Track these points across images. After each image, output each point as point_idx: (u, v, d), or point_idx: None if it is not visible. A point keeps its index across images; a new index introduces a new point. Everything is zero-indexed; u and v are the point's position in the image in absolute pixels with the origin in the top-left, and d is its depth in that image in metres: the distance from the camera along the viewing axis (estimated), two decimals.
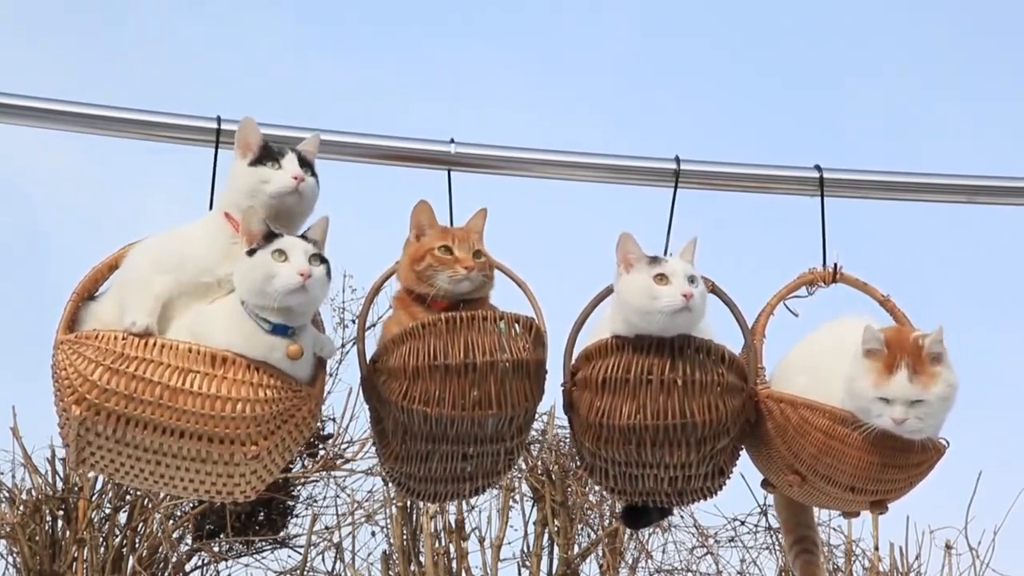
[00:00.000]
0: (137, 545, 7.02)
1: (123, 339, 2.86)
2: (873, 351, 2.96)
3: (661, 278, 2.94)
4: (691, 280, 2.94)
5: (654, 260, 2.97)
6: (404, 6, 8.82)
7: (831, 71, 8.88)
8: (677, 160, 3.25)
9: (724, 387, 2.95)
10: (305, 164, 2.97)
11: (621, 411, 2.94)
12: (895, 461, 3.01)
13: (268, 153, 2.96)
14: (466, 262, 3.03)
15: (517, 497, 7.17)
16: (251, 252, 2.86)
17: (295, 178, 2.93)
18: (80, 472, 6.56)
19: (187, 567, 7.33)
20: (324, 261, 2.86)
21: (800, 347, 3.15)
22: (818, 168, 3.30)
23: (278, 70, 8.71)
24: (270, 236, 2.86)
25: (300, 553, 7.36)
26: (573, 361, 3.05)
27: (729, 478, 3.09)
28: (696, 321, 2.97)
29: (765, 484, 3.18)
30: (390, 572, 7.02)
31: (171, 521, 7.16)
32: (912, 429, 2.95)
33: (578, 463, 3.16)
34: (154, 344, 2.85)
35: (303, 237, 2.89)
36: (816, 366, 3.08)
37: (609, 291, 3.13)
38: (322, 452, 7.47)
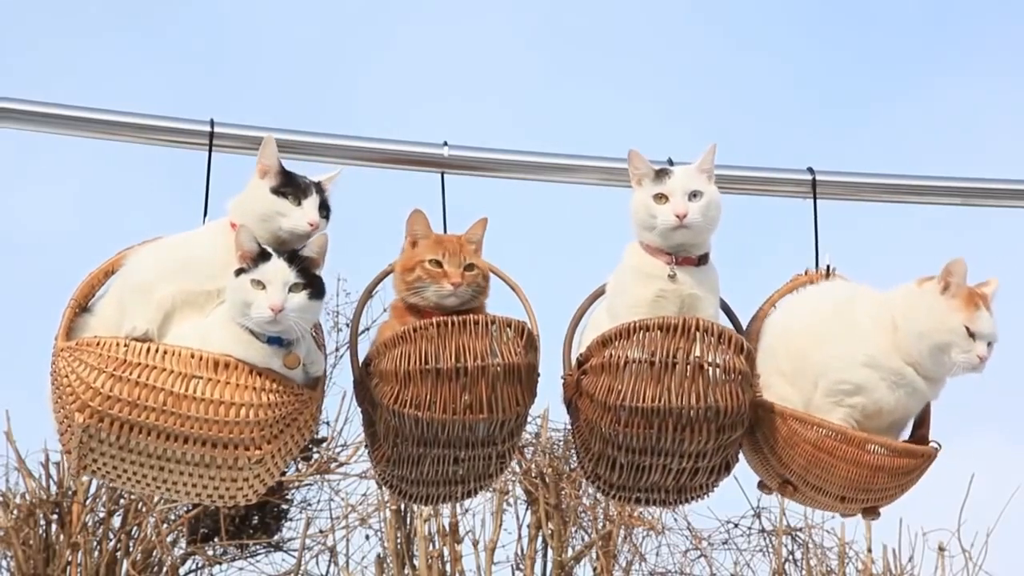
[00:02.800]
0: (131, 549, 7.01)
1: (125, 346, 2.86)
2: (955, 284, 3.01)
3: (660, 197, 3.01)
4: (692, 195, 3.01)
5: (660, 175, 3.04)
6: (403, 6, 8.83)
7: (829, 72, 8.89)
8: (670, 163, 3.25)
9: (744, 376, 2.97)
10: (323, 205, 2.98)
11: (645, 394, 2.93)
12: (885, 470, 3.01)
13: (292, 186, 2.96)
14: (454, 277, 3.02)
15: (511, 500, 7.17)
16: (239, 272, 2.88)
17: (311, 224, 2.94)
18: (79, 478, 6.56)
19: (181, 571, 7.32)
20: (309, 285, 2.87)
21: (798, 326, 3.13)
22: (811, 171, 3.30)
23: (273, 71, 8.71)
24: (260, 257, 2.87)
25: (294, 557, 7.36)
26: (583, 349, 3.05)
27: (728, 475, 3.09)
28: (701, 234, 3.03)
29: (761, 486, 3.18)
30: None
31: (165, 525, 7.16)
32: (983, 368, 2.99)
33: (580, 456, 3.14)
34: (157, 350, 2.86)
35: (296, 255, 2.90)
36: (830, 334, 3.07)
37: (603, 291, 3.14)
38: (316, 455, 7.46)
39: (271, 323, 2.85)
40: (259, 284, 2.85)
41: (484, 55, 8.89)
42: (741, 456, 3.11)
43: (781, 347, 3.09)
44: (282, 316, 2.85)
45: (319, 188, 2.98)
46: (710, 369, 2.94)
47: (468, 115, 8.19)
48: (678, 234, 3.01)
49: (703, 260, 3.07)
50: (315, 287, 2.89)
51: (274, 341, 2.88)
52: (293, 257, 2.89)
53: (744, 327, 3.15)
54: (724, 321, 3.12)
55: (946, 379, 3.04)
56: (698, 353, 2.94)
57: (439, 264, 3.03)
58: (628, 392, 2.94)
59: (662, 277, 3.03)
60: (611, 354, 2.97)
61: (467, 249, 3.06)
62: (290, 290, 2.86)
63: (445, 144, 3.23)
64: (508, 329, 2.95)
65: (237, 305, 2.87)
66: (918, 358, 3.01)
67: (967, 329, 2.97)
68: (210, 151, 3.12)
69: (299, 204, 2.95)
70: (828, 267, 3.21)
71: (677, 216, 2.99)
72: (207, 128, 3.14)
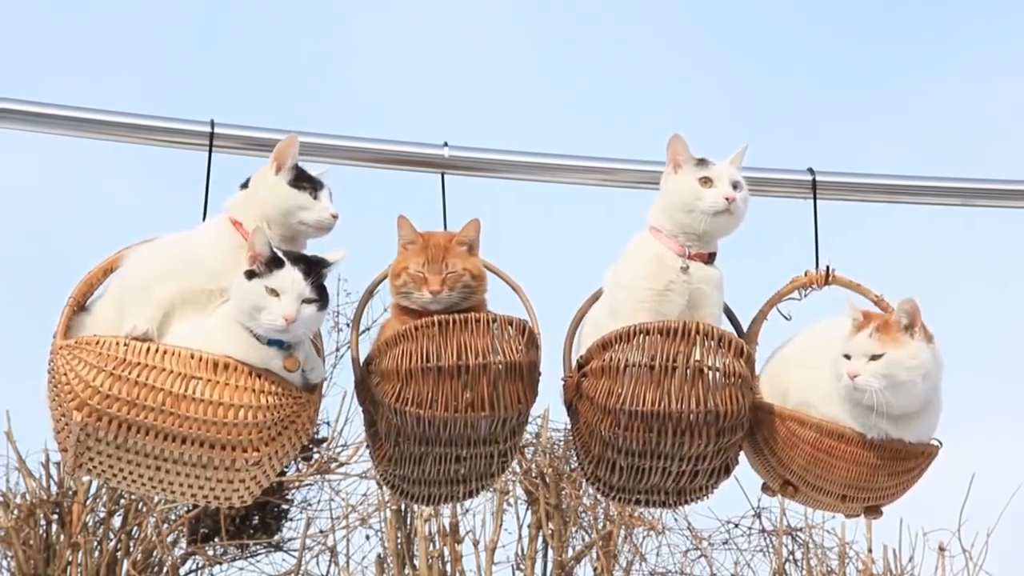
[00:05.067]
0: (131, 549, 7.02)
1: (125, 345, 2.86)
2: (854, 321, 3.00)
3: (706, 181, 3.05)
4: (735, 185, 3.05)
5: (701, 162, 3.07)
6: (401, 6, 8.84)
7: (826, 73, 8.89)
8: None
9: (743, 380, 2.97)
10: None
11: (645, 398, 2.94)
12: (884, 468, 3.02)
13: (307, 179, 2.99)
14: (433, 285, 3.02)
15: (511, 500, 7.18)
16: (249, 275, 2.88)
17: (334, 216, 2.98)
18: (76, 477, 6.57)
19: (181, 571, 7.32)
20: (318, 299, 2.89)
21: (794, 343, 3.15)
22: (811, 171, 3.30)
23: (272, 72, 8.71)
24: (272, 263, 2.88)
25: (294, 557, 7.36)
26: (584, 351, 3.05)
27: (727, 477, 3.10)
28: (736, 224, 3.07)
29: (765, 488, 3.19)
30: None
31: (165, 525, 7.16)
32: (862, 385, 2.95)
33: (580, 458, 3.14)
34: (156, 350, 2.86)
35: (312, 263, 2.91)
36: (814, 360, 3.08)
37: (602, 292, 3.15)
38: (316, 456, 7.47)
39: (281, 332, 2.87)
40: (273, 292, 2.86)
41: (484, 55, 8.90)
42: (742, 457, 3.11)
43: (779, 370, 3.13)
44: (294, 327, 2.86)
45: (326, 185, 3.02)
46: (710, 373, 2.94)
47: (468, 115, 8.19)
48: (720, 219, 3.05)
49: (712, 258, 3.08)
50: (323, 300, 2.91)
51: (275, 343, 2.89)
52: (309, 270, 2.89)
53: (744, 330, 3.16)
54: (726, 322, 3.13)
55: (924, 411, 3.03)
56: (698, 357, 2.94)
57: (420, 271, 3.04)
58: (628, 396, 2.95)
59: (675, 268, 3.03)
60: (611, 357, 2.98)
61: (453, 252, 3.06)
62: (303, 302, 2.87)
63: (445, 144, 3.23)
64: (509, 327, 2.96)
65: (245, 309, 2.88)
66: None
67: (843, 355, 2.99)
68: (210, 152, 3.12)
69: (317, 197, 2.98)
70: (828, 268, 3.21)
71: (727, 199, 3.03)
72: (207, 129, 3.14)
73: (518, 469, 7.12)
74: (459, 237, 3.08)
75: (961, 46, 8.70)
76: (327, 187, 3.00)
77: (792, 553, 7.24)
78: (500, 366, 2.92)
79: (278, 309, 2.85)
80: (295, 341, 2.90)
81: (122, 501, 6.98)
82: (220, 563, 7.50)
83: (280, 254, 2.89)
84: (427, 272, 3.03)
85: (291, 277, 2.87)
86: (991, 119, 8.55)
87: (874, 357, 2.96)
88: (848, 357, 2.97)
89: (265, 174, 3.00)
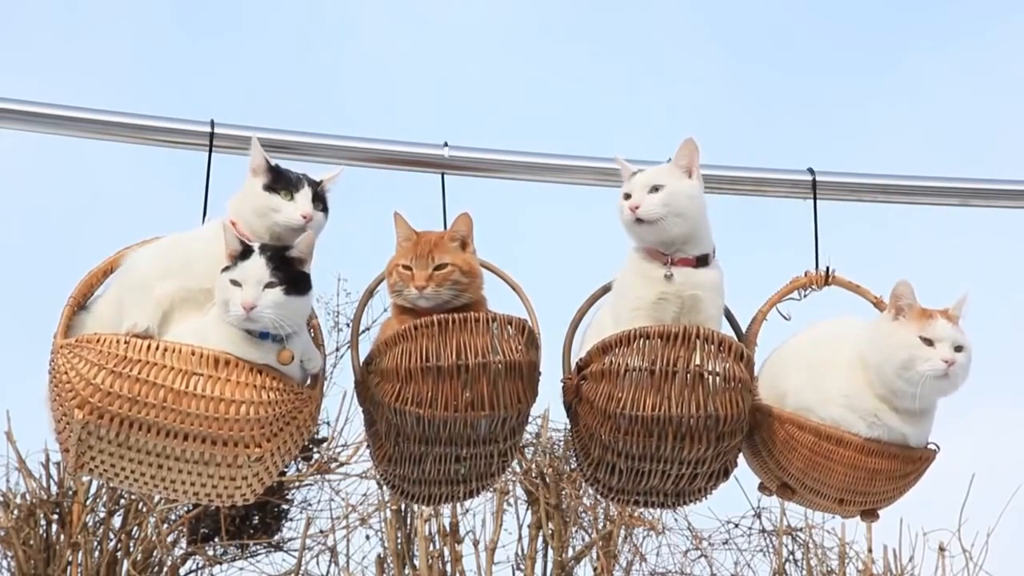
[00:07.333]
0: (131, 549, 7.02)
1: (126, 342, 2.86)
2: (906, 306, 2.99)
3: (626, 196, 3.04)
4: (653, 190, 3.01)
5: (633, 176, 3.07)
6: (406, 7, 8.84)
7: (826, 73, 8.89)
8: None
9: (743, 384, 2.97)
10: (318, 198, 3.00)
11: (645, 403, 2.94)
12: (883, 473, 3.02)
13: (284, 181, 2.99)
14: (419, 281, 3.03)
15: (511, 500, 7.18)
16: (224, 270, 2.89)
17: (304, 216, 2.97)
18: (77, 477, 6.57)
19: (181, 571, 7.32)
20: (286, 282, 2.87)
21: (792, 345, 3.15)
22: (811, 171, 3.30)
23: (272, 71, 8.71)
24: (241, 255, 2.89)
25: (294, 557, 7.36)
26: (584, 354, 3.05)
27: (726, 480, 3.10)
28: (667, 227, 3.01)
29: (761, 488, 3.19)
30: None
31: (165, 525, 7.16)
32: (955, 375, 2.96)
33: (579, 459, 3.14)
34: (157, 347, 2.87)
35: (276, 253, 2.90)
36: (812, 363, 3.07)
37: (605, 289, 3.14)
38: (316, 456, 7.47)
39: (246, 320, 2.86)
40: (235, 282, 2.87)
41: (485, 55, 8.90)
42: (740, 458, 3.11)
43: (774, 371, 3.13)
44: (255, 313, 2.85)
45: (312, 182, 3.00)
46: (710, 378, 2.94)
47: (468, 115, 8.19)
48: (638, 228, 3.03)
49: (703, 261, 3.06)
50: (293, 283, 2.89)
51: (266, 337, 2.89)
52: (273, 256, 2.89)
53: (743, 330, 3.16)
54: (725, 324, 3.12)
55: (929, 412, 3.04)
56: (698, 362, 2.94)
57: (409, 268, 3.04)
58: (628, 400, 2.95)
59: (659, 279, 3.03)
60: (611, 361, 2.98)
61: (442, 247, 3.06)
62: (265, 287, 2.86)
63: (445, 144, 3.23)
64: (509, 326, 2.96)
65: (220, 303, 2.89)
66: (891, 387, 2.99)
67: (921, 339, 2.97)
68: (210, 152, 3.12)
69: (292, 199, 2.98)
70: (828, 268, 3.21)
71: (631, 209, 3.01)
72: (207, 129, 3.15)
73: (518, 469, 7.12)
74: (450, 233, 3.09)
75: (962, 39, 8.71)
76: (308, 187, 2.99)
77: (792, 553, 7.24)
78: (500, 365, 2.92)
79: (239, 298, 2.85)
80: (272, 331, 2.89)
81: (122, 501, 6.98)
82: (220, 563, 7.50)
83: (255, 247, 2.90)
84: (415, 268, 3.03)
85: (252, 265, 2.87)
86: (996, 113, 8.56)
87: (958, 348, 2.97)
88: (930, 343, 2.96)
89: (248, 177, 3.01)
